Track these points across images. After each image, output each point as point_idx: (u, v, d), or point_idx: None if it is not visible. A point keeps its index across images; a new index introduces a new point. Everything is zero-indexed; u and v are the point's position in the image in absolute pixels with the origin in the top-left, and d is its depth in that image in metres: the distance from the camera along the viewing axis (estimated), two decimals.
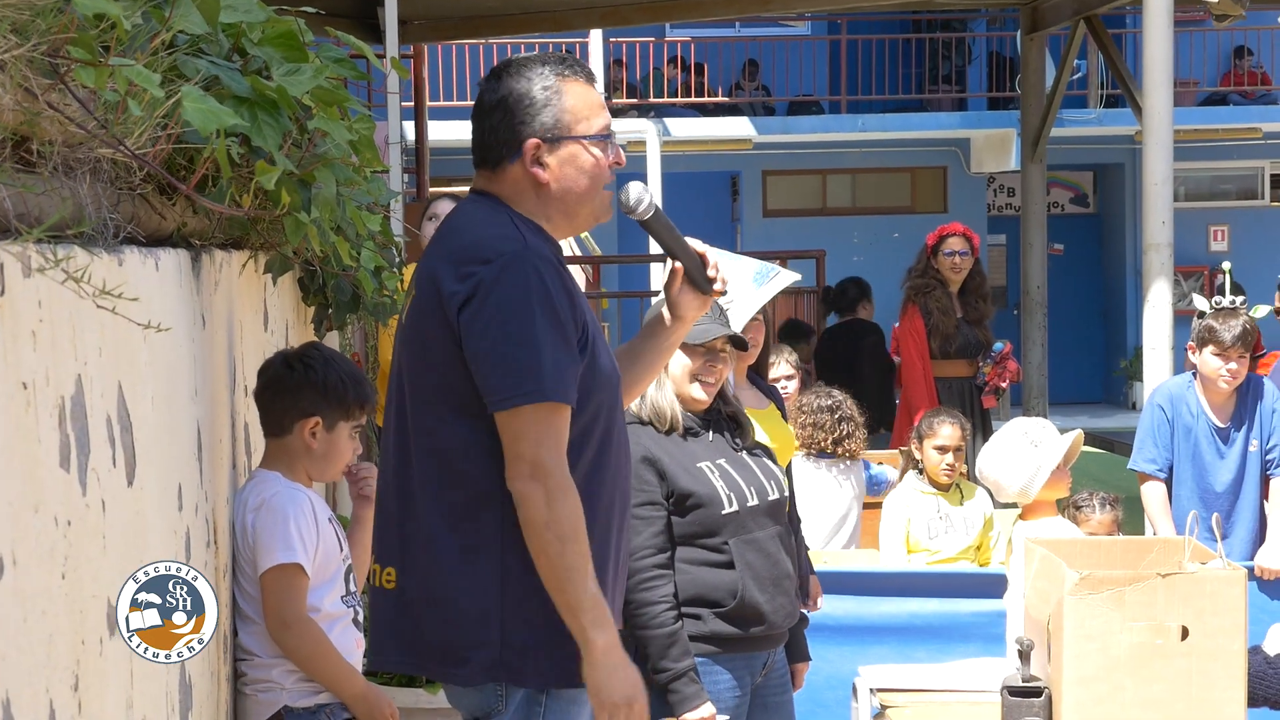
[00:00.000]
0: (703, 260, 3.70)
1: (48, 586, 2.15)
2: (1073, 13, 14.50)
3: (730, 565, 4.42)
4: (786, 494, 4.65)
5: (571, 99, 3.46)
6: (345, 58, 4.16)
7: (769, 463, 4.61)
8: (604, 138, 3.47)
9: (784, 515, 4.60)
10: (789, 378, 7.95)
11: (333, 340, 6.14)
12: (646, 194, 3.61)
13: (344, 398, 3.98)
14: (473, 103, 3.57)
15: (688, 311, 3.74)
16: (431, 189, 12.68)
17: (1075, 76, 21.45)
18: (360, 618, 4.06)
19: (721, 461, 4.48)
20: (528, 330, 3.28)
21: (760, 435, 4.79)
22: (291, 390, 3.94)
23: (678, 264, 3.69)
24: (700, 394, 4.50)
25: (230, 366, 3.90)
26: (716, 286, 3.71)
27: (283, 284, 4.80)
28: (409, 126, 14.18)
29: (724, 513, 4.41)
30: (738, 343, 4.53)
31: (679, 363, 4.48)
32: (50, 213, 2.27)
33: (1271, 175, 24.30)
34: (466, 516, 3.36)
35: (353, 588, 4.06)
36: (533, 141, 3.44)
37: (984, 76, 23.69)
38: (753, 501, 4.46)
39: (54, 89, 2.30)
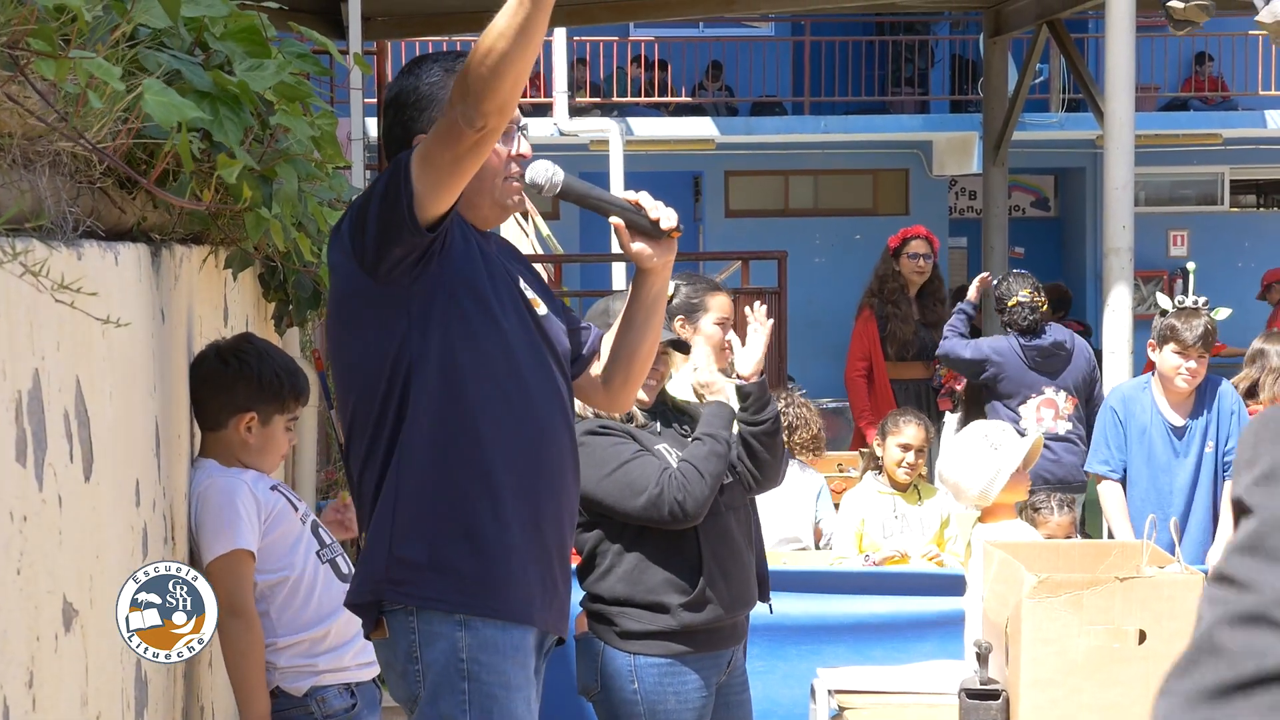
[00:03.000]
0: (638, 207, 3.63)
1: (2, 582, 2.14)
2: (1035, 17, 14.55)
3: (696, 544, 4.51)
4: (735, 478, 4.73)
5: None
6: (308, 53, 4.14)
7: None
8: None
9: (738, 497, 4.70)
10: None
11: (293, 337, 6.12)
12: (549, 170, 3.55)
13: (279, 392, 3.96)
14: None
15: (652, 261, 3.67)
16: None
17: (1037, 81, 21.49)
18: (346, 569, 4.07)
19: (675, 449, 4.59)
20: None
21: None
22: (226, 386, 3.91)
23: (616, 220, 3.64)
24: (643, 395, 4.61)
25: (189, 362, 3.88)
26: (665, 225, 3.63)
27: (243, 280, 4.78)
28: (372, 123, 14.16)
29: None
30: (681, 346, 4.64)
31: None
32: (8, 205, 2.25)
33: (1231, 181, 24.43)
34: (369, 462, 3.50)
35: (327, 540, 4.06)
36: (419, 137, 3.46)
37: (946, 79, 23.73)
38: None
39: (13, 81, 2.29)
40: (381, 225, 3.36)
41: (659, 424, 4.69)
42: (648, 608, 4.51)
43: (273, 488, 3.97)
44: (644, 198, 3.64)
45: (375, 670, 4.07)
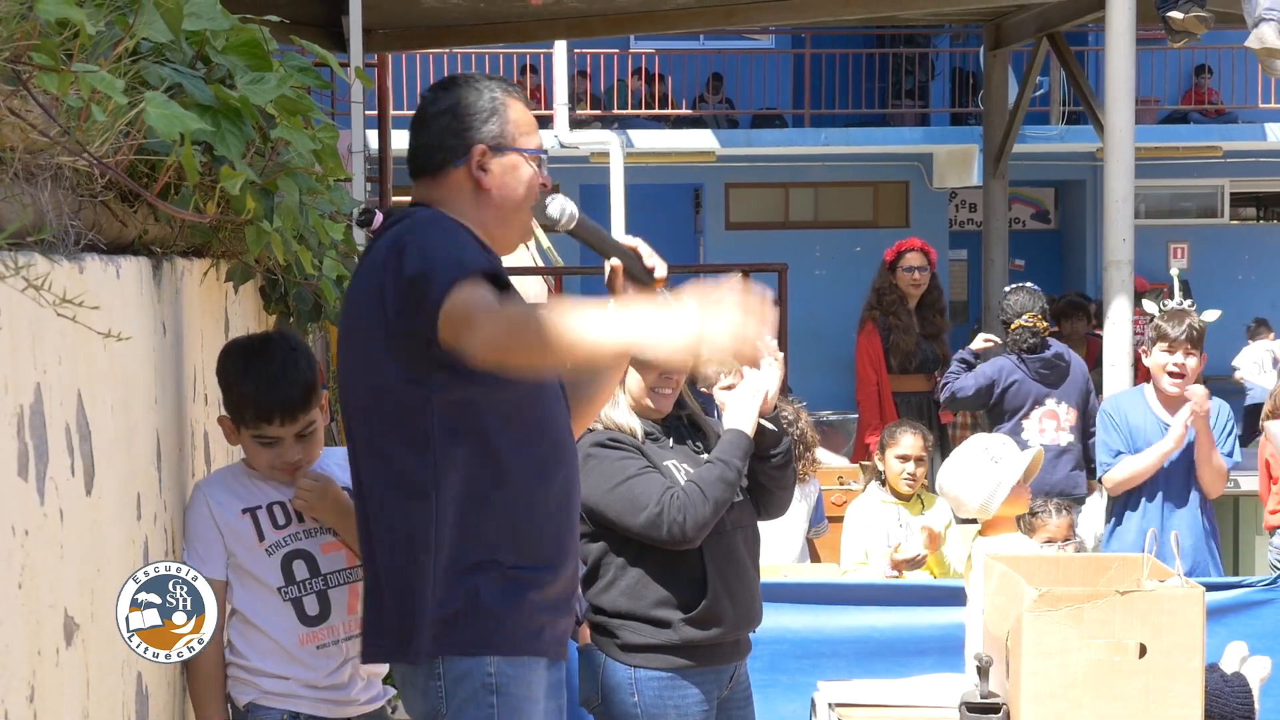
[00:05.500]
0: (636, 254, 3.78)
1: (4, 596, 2.14)
2: (1036, 30, 14.56)
3: (700, 562, 4.49)
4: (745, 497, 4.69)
5: (515, 113, 3.61)
6: (309, 66, 4.14)
7: None
8: (541, 153, 3.62)
9: (747, 516, 4.66)
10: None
11: None
12: (568, 205, 3.69)
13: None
14: None
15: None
16: (395, 197, 12.69)
17: (1037, 93, 21.51)
18: (315, 610, 3.79)
19: (685, 465, 4.56)
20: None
21: None
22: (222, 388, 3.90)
23: (615, 262, 3.78)
24: (650, 403, 4.60)
25: (190, 375, 3.88)
26: (658, 274, 3.77)
27: (244, 292, 4.78)
28: (372, 135, 14.17)
29: None
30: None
31: (634, 380, 4.58)
32: (11, 219, 2.25)
33: (1231, 194, 24.45)
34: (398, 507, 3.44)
35: (299, 576, 3.78)
36: (480, 146, 3.56)
37: (947, 92, 23.75)
38: None
39: (16, 95, 2.29)
40: (410, 315, 3.32)
41: (671, 439, 4.65)
42: (649, 622, 4.50)
43: (245, 510, 3.77)
44: (641, 245, 3.78)
45: (348, 711, 3.86)
